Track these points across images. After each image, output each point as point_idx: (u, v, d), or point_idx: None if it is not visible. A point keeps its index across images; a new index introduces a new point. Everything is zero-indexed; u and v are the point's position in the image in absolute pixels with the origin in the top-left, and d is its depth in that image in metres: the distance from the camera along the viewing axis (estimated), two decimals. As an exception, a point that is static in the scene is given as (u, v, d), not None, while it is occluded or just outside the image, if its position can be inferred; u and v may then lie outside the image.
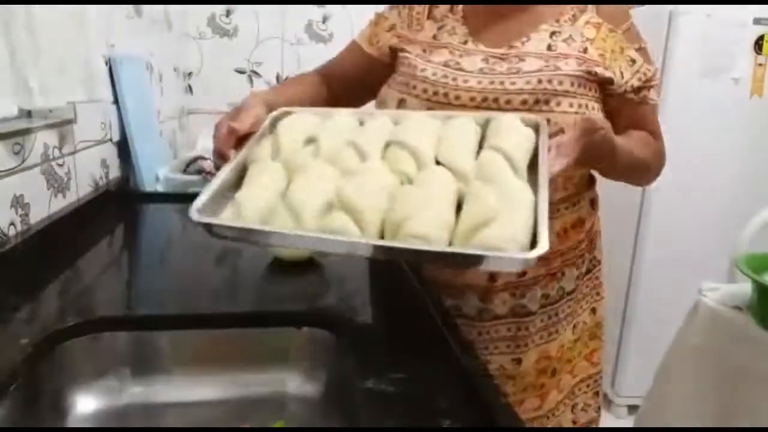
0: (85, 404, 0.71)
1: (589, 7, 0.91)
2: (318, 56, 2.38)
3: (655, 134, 0.96)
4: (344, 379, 0.67)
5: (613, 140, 0.78)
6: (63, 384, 0.70)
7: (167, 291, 0.84)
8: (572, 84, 0.84)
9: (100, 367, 0.73)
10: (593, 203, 1.01)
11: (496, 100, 0.85)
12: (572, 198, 0.94)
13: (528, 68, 0.86)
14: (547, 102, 0.83)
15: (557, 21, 0.90)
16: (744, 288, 1.24)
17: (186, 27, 2.19)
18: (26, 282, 0.83)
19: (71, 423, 0.69)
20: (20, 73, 0.96)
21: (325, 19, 2.28)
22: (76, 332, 0.71)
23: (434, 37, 0.94)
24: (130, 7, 1.52)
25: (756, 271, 1.15)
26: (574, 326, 1.01)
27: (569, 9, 0.91)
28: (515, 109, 0.83)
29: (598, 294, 1.04)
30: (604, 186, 1.71)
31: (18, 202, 0.91)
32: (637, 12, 2.18)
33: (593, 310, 1.04)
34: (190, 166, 1.46)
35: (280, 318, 0.78)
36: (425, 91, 0.88)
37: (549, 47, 0.87)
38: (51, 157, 1.02)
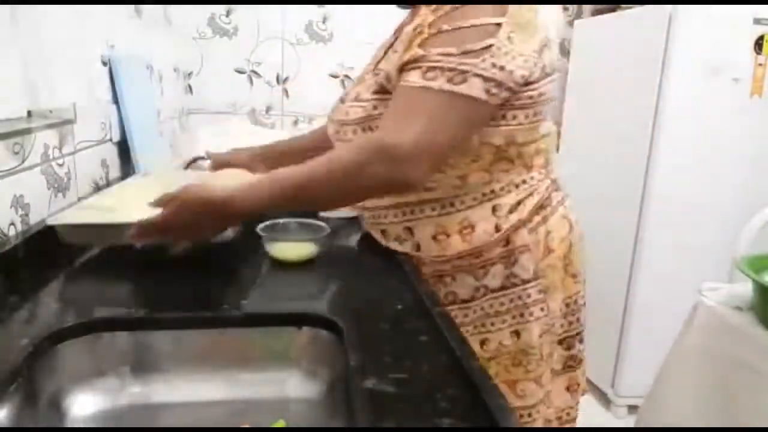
0: (85, 404, 0.71)
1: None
2: (318, 56, 2.40)
3: (382, 124, 0.81)
4: (344, 379, 0.67)
5: (216, 195, 0.79)
6: (63, 384, 0.70)
7: (167, 291, 0.84)
8: (358, 111, 0.90)
9: (100, 367, 0.73)
10: (495, 210, 0.91)
11: (330, 129, 0.98)
12: (442, 200, 0.90)
13: (351, 95, 0.95)
14: (338, 132, 0.93)
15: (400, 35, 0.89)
16: (744, 288, 1.24)
17: (186, 27, 2.19)
18: (26, 282, 0.83)
19: (71, 423, 0.69)
20: (28, 73, 0.96)
21: (325, 19, 2.28)
22: (76, 332, 0.71)
23: None
24: (130, 7, 1.52)
25: (756, 272, 1.15)
26: (483, 342, 0.95)
27: (426, 10, 0.84)
28: (333, 138, 0.96)
29: (522, 316, 0.93)
30: (604, 186, 1.70)
31: (18, 202, 0.91)
32: (637, 12, 2.19)
33: (516, 333, 0.94)
34: (190, 166, 1.46)
35: (280, 318, 0.78)
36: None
37: (378, 69, 0.92)
38: (51, 157, 1.02)
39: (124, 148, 1.39)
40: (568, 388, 1.04)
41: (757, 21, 1.94)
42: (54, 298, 0.80)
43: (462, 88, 0.77)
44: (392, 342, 0.70)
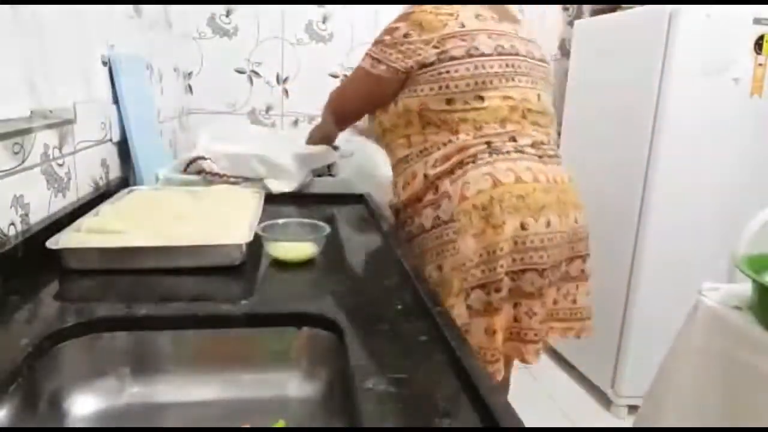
0: (85, 404, 0.71)
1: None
2: (318, 56, 2.40)
3: None
4: (344, 379, 0.67)
5: None
6: (63, 384, 0.70)
7: (167, 291, 0.84)
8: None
9: (100, 367, 0.73)
10: (427, 164, 1.18)
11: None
12: (403, 158, 1.23)
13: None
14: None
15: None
16: (744, 288, 1.24)
17: (186, 27, 2.19)
18: (26, 282, 0.83)
19: (71, 423, 0.69)
20: (28, 73, 0.96)
21: (325, 19, 2.28)
22: (76, 332, 0.71)
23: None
24: (130, 7, 1.52)
25: (756, 271, 1.15)
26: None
27: None
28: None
29: (441, 252, 1.14)
30: (604, 185, 1.72)
31: (18, 202, 0.91)
32: (637, 12, 2.19)
33: (439, 268, 1.14)
34: (190, 166, 1.46)
35: (280, 318, 0.78)
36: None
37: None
38: (51, 157, 1.02)
39: (124, 148, 1.39)
40: (485, 331, 1.14)
41: (757, 21, 1.94)
42: (54, 297, 0.80)
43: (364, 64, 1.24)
44: (392, 342, 0.71)
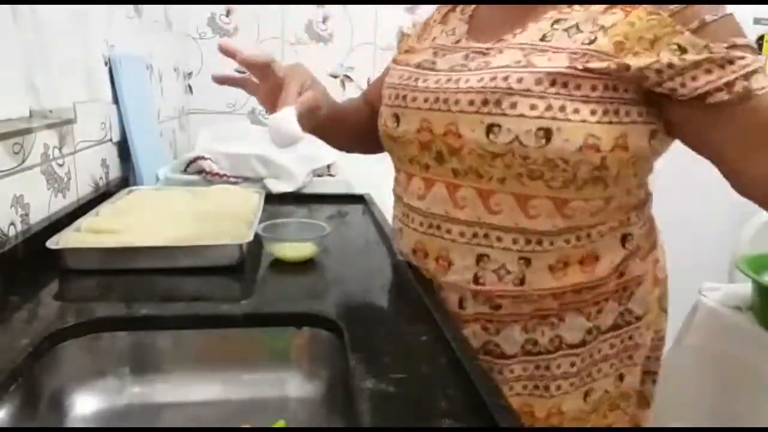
0: (85, 404, 0.71)
1: None
2: (318, 56, 2.40)
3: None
4: (344, 379, 0.67)
5: None
6: (63, 384, 0.70)
7: (167, 291, 0.84)
8: (539, 82, 0.66)
9: (100, 367, 0.73)
10: (625, 241, 0.77)
11: (445, 100, 0.72)
12: (575, 230, 0.73)
13: (497, 63, 0.70)
14: (497, 103, 0.67)
15: (570, 7, 0.71)
16: (744, 288, 1.24)
17: (186, 27, 2.19)
18: (26, 282, 0.83)
19: (71, 423, 0.69)
20: (28, 73, 0.96)
21: (325, 19, 2.28)
22: (76, 332, 0.71)
23: (433, 40, 0.84)
24: (130, 7, 1.52)
25: (756, 271, 1.15)
26: (587, 393, 0.80)
27: None
28: (461, 111, 0.70)
29: (630, 358, 0.82)
30: None
31: (18, 202, 0.91)
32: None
33: (620, 377, 0.82)
34: (190, 166, 1.46)
35: (280, 318, 0.78)
36: (390, 96, 0.82)
37: (543, 37, 0.70)
38: (51, 157, 1.02)
39: (124, 148, 1.39)
40: (630, 427, 0.90)
41: (757, 21, 1.94)
42: (54, 297, 0.80)
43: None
44: (392, 342, 0.70)
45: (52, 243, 0.87)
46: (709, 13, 0.64)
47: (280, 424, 0.69)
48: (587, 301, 0.77)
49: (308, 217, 1.08)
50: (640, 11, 0.66)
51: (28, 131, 0.94)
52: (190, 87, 2.26)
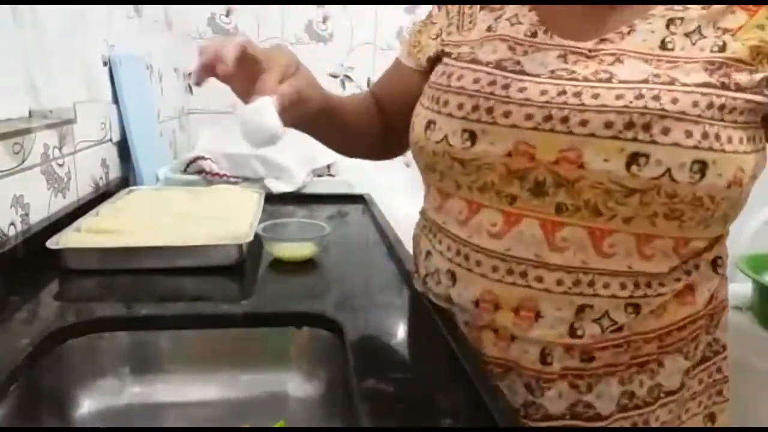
0: (85, 404, 0.71)
1: None
2: (318, 56, 2.39)
3: None
4: (344, 379, 0.67)
5: None
6: (63, 384, 0.70)
7: (167, 291, 0.84)
8: (695, 104, 0.54)
9: (100, 367, 0.73)
10: (716, 265, 0.67)
11: (565, 119, 0.57)
12: (677, 269, 0.62)
13: (626, 75, 0.57)
14: (646, 128, 0.54)
15: (684, 6, 0.59)
16: (744, 288, 1.24)
17: (186, 27, 2.19)
18: (26, 282, 0.83)
19: (71, 423, 0.69)
20: (28, 73, 0.96)
21: (325, 19, 2.28)
22: (76, 332, 0.71)
23: (488, 29, 0.67)
24: (130, 7, 1.52)
25: (756, 271, 1.15)
26: None
27: None
28: (591, 135, 0.56)
29: (720, 394, 0.71)
30: None
31: (18, 202, 0.91)
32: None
33: (710, 417, 0.71)
34: (190, 166, 1.46)
35: (280, 318, 0.78)
36: (460, 107, 0.63)
37: (663, 44, 0.58)
38: (51, 157, 1.02)
39: (124, 148, 1.39)
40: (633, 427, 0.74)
41: (757, 21, 1.94)
42: (54, 297, 0.80)
43: None
44: (392, 342, 0.70)
45: (53, 243, 0.87)
46: None
47: (280, 424, 0.69)
48: (686, 338, 0.66)
49: (308, 217, 1.08)
50: (763, 12, 0.56)
51: (28, 131, 0.94)
52: (190, 87, 2.26)
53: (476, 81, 0.63)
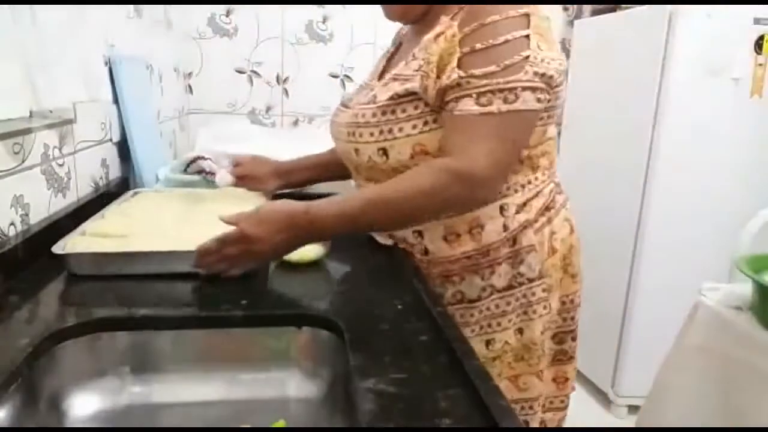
0: (85, 404, 0.71)
1: (465, 8, 0.85)
2: (318, 56, 2.40)
3: (451, 152, 0.83)
4: (344, 379, 0.67)
5: (297, 206, 0.83)
6: (63, 384, 0.70)
7: (167, 292, 0.84)
8: (374, 114, 0.90)
9: (100, 367, 0.73)
10: (502, 210, 0.93)
11: (339, 132, 0.98)
12: None
13: (359, 101, 0.96)
14: (352, 134, 0.93)
15: (419, 43, 0.90)
16: (744, 288, 1.24)
17: (186, 27, 2.19)
18: (26, 282, 0.83)
19: (71, 423, 0.69)
20: (28, 73, 0.96)
21: (325, 19, 2.28)
22: (76, 332, 0.71)
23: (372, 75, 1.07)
24: (130, 7, 1.52)
25: (756, 271, 1.15)
26: (488, 342, 0.96)
27: (445, 19, 0.86)
28: (343, 140, 0.96)
29: (525, 314, 0.95)
30: (604, 185, 1.67)
31: (18, 202, 0.91)
32: (637, 12, 2.19)
33: (520, 331, 0.96)
34: (190, 166, 1.46)
35: (281, 318, 0.78)
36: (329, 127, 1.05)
37: (396, 75, 0.92)
38: (51, 157, 1.02)
39: (124, 148, 1.39)
40: (554, 380, 1.06)
41: (757, 21, 1.94)
42: (54, 298, 0.80)
43: (517, 105, 0.82)
44: (392, 342, 0.70)
45: (58, 248, 0.86)
46: (482, 40, 0.82)
47: (280, 424, 0.69)
48: (481, 264, 0.94)
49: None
50: (446, 35, 0.84)
51: (28, 131, 0.94)
52: (190, 87, 2.26)
53: (333, 111, 1.06)
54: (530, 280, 0.95)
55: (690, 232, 2.08)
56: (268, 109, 2.33)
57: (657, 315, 2.05)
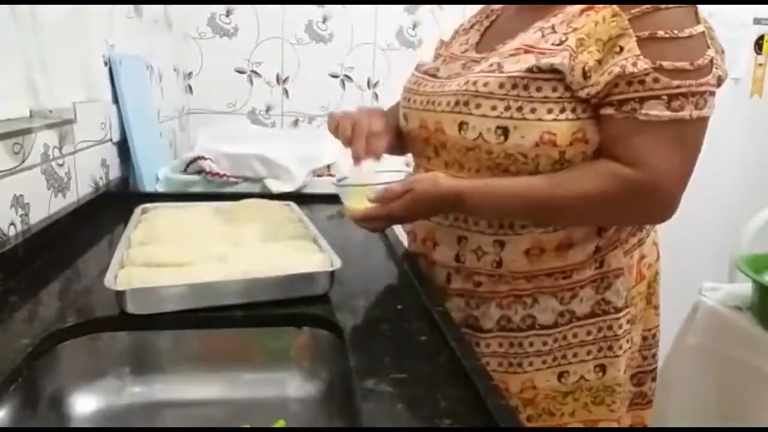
0: (85, 404, 0.71)
1: None
2: (318, 56, 2.40)
3: (633, 163, 0.72)
4: (344, 379, 0.67)
5: (448, 191, 0.78)
6: (63, 384, 0.70)
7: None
8: (501, 85, 0.75)
9: (100, 367, 0.73)
10: (601, 230, 0.82)
11: (433, 102, 0.83)
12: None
13: (477, 69, 0.80)
14: (466, 104, 0.78)
15: (555, 15, 0.78)
16: (744, 288, 1.24)
17: (186, 27, 2.19)
18: (26, 282, 0.83)
19: (71, 423, 0.69)
20: (28, 74, 0.96)
21: (325, 19, 2.28)
22: (76, 332, 0.71)
23: (449, 48, 0.94)
24: (130, 7, 1.52)
25: (756, 271, 1.15)
26: (561, 375, 0.85)
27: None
28: (443, 111, 0.81)
29: (611, 349, 0.84)
30: None
31: (18, 202, 0.91)
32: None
33: (601, 368, 0.85)
34: (190, 166, 1.46)
35: (281, 318, 0.78)
36: (403, 98, 0.93)
37: (524, 44, 0.78)
38: (51, 157, 1.02)
39: (124, 148, 1.39)
40: (630, 426, 0.95)
41: (757, 21, 1.94)
42: (54, 298, 0.80)
43: (705, 111, 0.74)
44: (392, 342, 0.71)
45: (110, 282, 0.72)
46: (664, 28, 0.70)
47: (280, 424, 0.69)
48: (561, 286, 0.83)
49: (309, 217, 1.07)
50: (606, 11, 0.72)
51: (28, 131, 0.94)
52: (190, 87, 2.26)
53: (409, 81, 0.93)
54: (617, 309, 0.83)
55: (690, 232, 2.08)
56: (268, 109, 2.33)
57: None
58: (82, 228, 1.07)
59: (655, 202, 0.75)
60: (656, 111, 0.71)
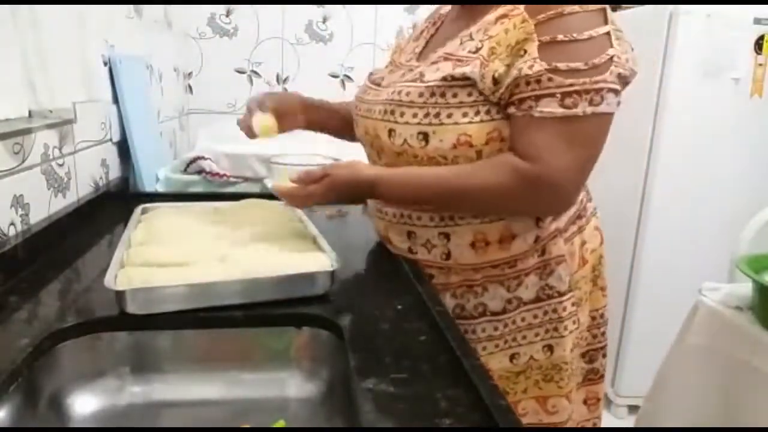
0: (85, 404, 0.71)
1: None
2: (318, 56, 2.40)
3: (529, 157, 0.77)
4: (344, 379, 0.67)
5: (365, 178, 0.85)
6: (63, 384, 0.70)
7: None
8: (421, 95, 0.81)
9: (100, 367, 0.73)
10: (539, 220, 0.87)
11: (370, 110, 0.90)
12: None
13: (404, 79, 0.87)
14: (392, 112, 0.84)
15: (476, 22, 0.82)
16: (744, 288, 1.24)
17: (186, 27, 2.19)
18: (26, 282, 0.83)
19: (71, 423, 0.69)
20: (28, 73, 0.96)
21: (325, 19, 2.28)
22: (76, 332, 0.71)
23: (399, 56, 0.99)
24: (130, 7, 1.52)
25: (756, 271, 1.15)
26: (513, 356, 0.91)
27: (501, 7, 0.80)
28: (376, 119, 0.88)
29: (556, 330, 0.90)
30: (604, 186, 1.67)
31: (18, 202, 0.91)
32: (638, 12, 2.19)
33: (549, 348, 0.90)
34: (190, 166, 1.46)
35: (281, 318, 0.78)
36: (353, 106, 0.99)
37: (446, 53, 0.83)
38: (51, 157, 1.02)
39: (124, 148, 1.39)
40: (585, 401, 1.02)
41: (757, 21, 1.94)
42: (54, 298, 0.80)
43: (603, 108, 0.76)
44: (392, 342, 0.70)
45: (111, 282, 0.72)
46: (564, 32, 0.74)
47: (280, 424, 0.69)
48: (507, 275, 0.89)
49: (308, 217, 1.08)
50: (518, 18, 0.76)
51: (28, 131, 0.94)
52: (190, 87, 2.26)
53: (359, 90, 0.99)
54: (560, 294, 0.89)
55: (690, 232, 2.08)
56: (268, 109, 2.33)
57: (657, 315, 2.05)
58: (82, 228, 1.07)
59: (548, 195, 0.79)
60: (550, 108, 0.75)
